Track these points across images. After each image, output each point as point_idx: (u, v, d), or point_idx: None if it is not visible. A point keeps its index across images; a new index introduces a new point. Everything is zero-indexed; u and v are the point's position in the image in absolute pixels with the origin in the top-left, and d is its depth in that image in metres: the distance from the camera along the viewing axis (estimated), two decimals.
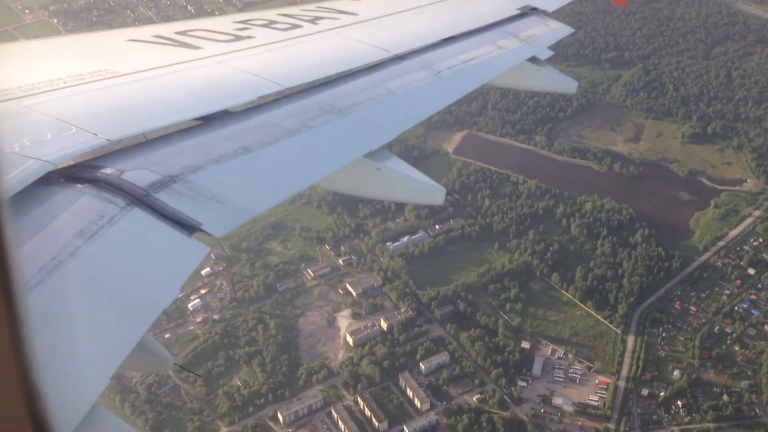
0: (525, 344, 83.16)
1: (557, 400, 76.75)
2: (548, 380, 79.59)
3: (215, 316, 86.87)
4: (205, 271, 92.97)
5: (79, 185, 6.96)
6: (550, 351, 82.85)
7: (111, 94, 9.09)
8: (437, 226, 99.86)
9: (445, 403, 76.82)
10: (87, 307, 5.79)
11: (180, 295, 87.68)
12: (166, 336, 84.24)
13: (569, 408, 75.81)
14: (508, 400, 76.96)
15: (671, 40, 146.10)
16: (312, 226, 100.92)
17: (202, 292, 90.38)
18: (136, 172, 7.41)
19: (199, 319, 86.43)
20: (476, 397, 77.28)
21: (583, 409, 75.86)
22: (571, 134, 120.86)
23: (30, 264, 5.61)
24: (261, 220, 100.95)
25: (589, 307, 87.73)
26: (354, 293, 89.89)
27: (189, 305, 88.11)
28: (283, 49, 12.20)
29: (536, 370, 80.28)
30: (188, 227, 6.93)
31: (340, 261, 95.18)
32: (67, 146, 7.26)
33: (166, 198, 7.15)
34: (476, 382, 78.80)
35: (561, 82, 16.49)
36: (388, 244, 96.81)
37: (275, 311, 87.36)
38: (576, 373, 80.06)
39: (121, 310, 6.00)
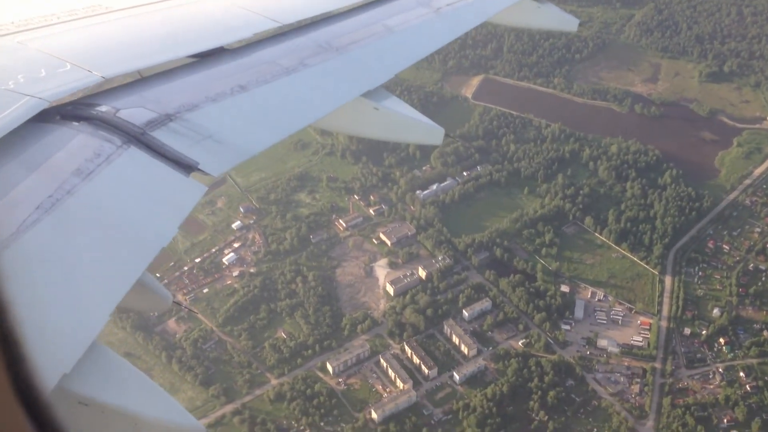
0: (564, 288, 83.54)
1: (602, 342, 77.47)
2: (591, 323, 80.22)
3: (251, 270, 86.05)
4: (235, 224, 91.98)
5: (75, 123, 6.93)
6: (589, 294, 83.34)
7: (105, 30, 9.00)
8: (465, 173, 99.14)
9: (491, 348, 77.27)
10: (86, 245, 5.83)
11: (214, 250, 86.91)
12: (205, 291, 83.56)
13: (614, 349, 76.58)
14: (553, 344, 77.50)
15: None
16: (338, 176, 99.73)
17: (236, 245, 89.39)
18: (132, 110, 7.37)
19: (235, 273, 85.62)
20: (521, 341, 77.80)
21: (628, 350, 76.68)
22: (588, 76, 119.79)
23: (27, 202, 5.61)
24: (286, 172, 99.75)
25: (624, 249, 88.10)
26: (389, 243, 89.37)
27: (224, 259, 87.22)
28: None
29: (578, 313, 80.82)
30: (185, 166, 6.94)
31: (371, 211, 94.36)
32: (62, 83, 7.22)
33: (163, 136, 7.13)
34: (520, 327, 79.18)
35: (562, 20, 16.14)
36: (417, 192, 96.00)
37: (311, 263, 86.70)
38: (617, 315, 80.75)
39: (120, 248, 6.01)
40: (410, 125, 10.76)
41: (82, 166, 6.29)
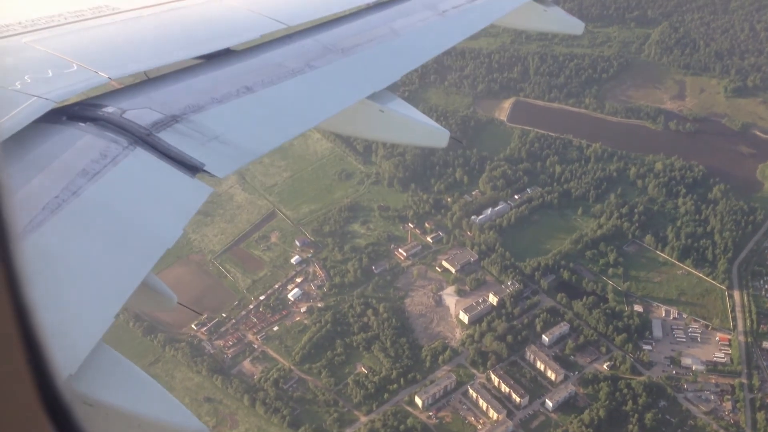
0: (638, 307, 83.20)
1: (686, 361, 77.13)
2: (670, 342, 79.86)
3: (319, 304, 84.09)
4: (294, 259, 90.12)
5: (81, 124, 6.92)
6: (663, 312, 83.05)
7: (112, 31, 9.04)
8: (516, 196, 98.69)
9: (576, 372, 76.32)
10: (92, 246, 5.84)
11: (277, 286, 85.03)
12: (275, 329, 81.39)
13: (699, 367, 76.24)
14: (638, 365, 76.85)
15: None
16: (389, 205, 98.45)
17: (298, 280, 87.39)
18: (139, 111, 7.36)
19: (303, 309, 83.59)
20: (606, 364, 77.02)
21: (713, 367, 76.35)
22: (617, 95, 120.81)
23: (34, 203, 5.63)
24: (335, 203, 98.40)
25: (688, 266, 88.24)
26: (453, 270, 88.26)
27: (289, 295, 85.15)
28: None
29: (657, 332, 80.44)
30: (191, 167, 6.92)
31: (429, 239, 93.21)
32: (69, 84, 7.24)
33: (169, 138, 7.12)
34: (603, 349, 78.44)
35: (568, 23, 16.41)
36: (473, 217, 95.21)
37: (378, 294, 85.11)
38: (695, 332, 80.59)
39: (125, 248, 6.02)
40: (416, 127, 10.72)
41: (88, 167, 6.26)
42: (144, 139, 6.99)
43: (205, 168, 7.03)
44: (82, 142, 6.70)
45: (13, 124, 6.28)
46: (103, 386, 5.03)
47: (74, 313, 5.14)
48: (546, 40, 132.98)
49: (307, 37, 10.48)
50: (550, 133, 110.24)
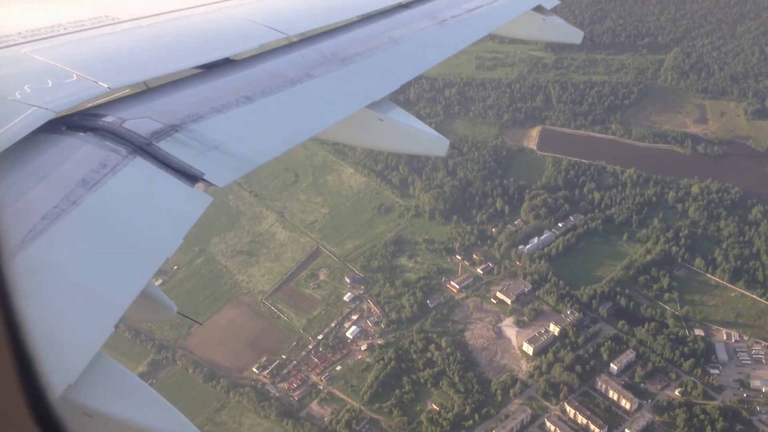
0: (698, 331, 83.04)
1: (755, 383, 76.88)
2: (736, 364, 79.63)
3: (379, 341, 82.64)
4: (347, 296, 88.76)
5: (81, 133, 6.94)
6: (724, 335, 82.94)
7: (112, 41, 9.09)
8: (559, 224, 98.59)
9: (650, 400, 75.64)
10: (91, 256, 5.82)
11: (333, 324, 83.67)
12: (338, 368, 79.72)
13: None
14: (709, 390, 76.45)
15: (695, 22, 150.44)
16: (434, 238, 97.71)
17: (354, 317, 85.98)
18: (138, 121, 7.40)
19: (363, 347, 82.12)
20: (678, 390, 76.48)
21: None
22: (640, 120, 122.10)
23: (33, 212, 5.63)
24: (378, 237, 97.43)
25: (740, 288, 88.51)
26: (508, 301, 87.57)
27: (347, 333, 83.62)
28: None
29: (721, 355, 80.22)
30: (191, 177, 6.93)
31: (479, 270, 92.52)
32: (69, 94, 7.27)
33: (169, 147, 7.15)
34: (672, 375, 77.94)
35: (567, 32, 16.65)
36: (520, 247, 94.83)
37: (437, 329, 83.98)
38: (759, 354, 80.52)
39: (124, 258, 6.01)
40: (415, 136, 10.73)
41: (87, 177, 6.27)
42: (144, 148, 6.98)
43: (204, 177, 7.01)
44: (81, 152, 6.67)
45: (12, 133, 6.26)
46: (102, 396, 5.01)
47: (73, 323, 5.13)
48: (563, 68, 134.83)
49: (306, 46, 10.51)
50: (583, 160, 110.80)
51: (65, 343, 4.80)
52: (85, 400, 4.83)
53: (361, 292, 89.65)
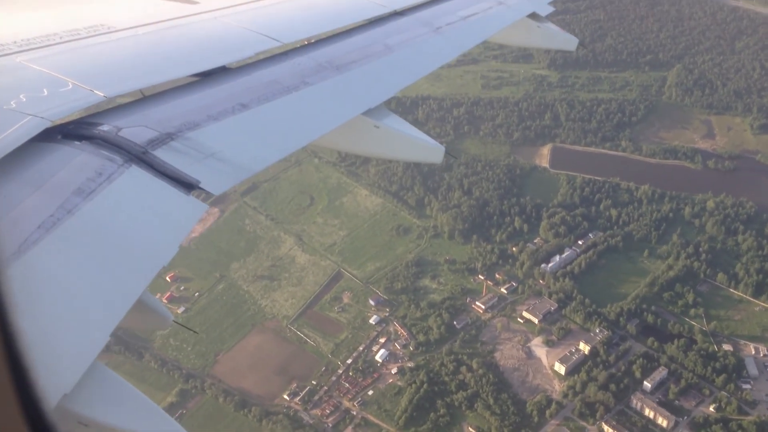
0: (727, 347, 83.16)
1: None
2: (767, 378, 79.76)
3: (409, 364, 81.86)
4: (372, 319, 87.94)
5: (76, 142, 6.96)
6: (753, 350, 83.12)
7: (107, 50, 9.11)
8: (579, 242, 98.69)
9: (686, 417, 75.44)
10: (87, 264, 5.84)
11: (361, 348, 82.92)
12: (370, 393, 78.72)
13: None
14: (743, 405, 76.42)
15: (694, 39, 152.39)
16: (455, 258, 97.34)
17: (381, 340, 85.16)
18: (134, 129, 7.43)
19: (394, 370, 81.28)
20: (712, 406, 76.37)
21: None
22: (649, 136, 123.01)
23: (29, 221, 5.64)
24: (399, 258, 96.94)
25: (764, 302, 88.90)
26: (535, 320, 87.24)
27: (376, 357, 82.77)
28: (282, 4, 12.43)
29: (752, 370, 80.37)
30: (186, 185, 6.97)
31: (503, 289, 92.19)
32: (64, 102, 7.30)
33: (164, 155, 7.18)
34: (705, 392, 77.86)
35: (562, 39, 16.79)
36: (543, 265, 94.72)
37: (466, 350, 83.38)
38: None
39: (120, 267, 6.03)
40: (411, 143, 10.80)
41: (83, 186, 6.29)
42: (139, 156, 6.99)
43: (200, 185, 7.03)
44: (77, 161, 6.67)
45: (8, 142, 6.26)
46: (99, 405, 5.02)
47: (69, 332, 5.12)
48: (568, 86, 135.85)
49: (302, 54, 10.55)
50: (596, 177, 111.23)
51: (61, 353, 4.81)
52: (81, 410, 4.85)
53: (387, 314, 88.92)
